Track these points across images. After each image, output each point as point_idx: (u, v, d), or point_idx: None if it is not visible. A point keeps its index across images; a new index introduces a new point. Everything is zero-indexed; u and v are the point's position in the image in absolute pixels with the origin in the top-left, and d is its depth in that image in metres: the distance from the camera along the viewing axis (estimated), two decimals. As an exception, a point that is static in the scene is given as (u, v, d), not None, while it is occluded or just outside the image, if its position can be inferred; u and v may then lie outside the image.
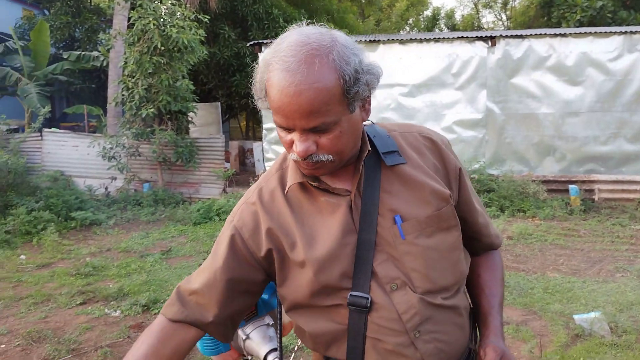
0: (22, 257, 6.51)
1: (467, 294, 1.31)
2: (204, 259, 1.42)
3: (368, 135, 1.21)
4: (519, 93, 8.83)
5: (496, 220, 7.52)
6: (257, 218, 1.20)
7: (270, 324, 1.40)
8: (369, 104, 1.16)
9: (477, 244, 1.35)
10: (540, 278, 5.13)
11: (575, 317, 3.99)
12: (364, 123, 1.18)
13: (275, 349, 1.35)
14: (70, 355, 3.73)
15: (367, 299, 1.13)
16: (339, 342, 1.17)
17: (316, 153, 1.08)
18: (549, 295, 4.62)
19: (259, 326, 1.37)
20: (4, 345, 3.94)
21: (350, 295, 1.13)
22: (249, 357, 1.42)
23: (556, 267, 5.55)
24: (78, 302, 4.84)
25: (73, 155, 10.47)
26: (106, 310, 4.62)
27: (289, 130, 1.09)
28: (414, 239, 1.15)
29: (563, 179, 8.71)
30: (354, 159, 1.18)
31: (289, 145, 1.11)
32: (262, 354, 1.35)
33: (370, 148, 1.18)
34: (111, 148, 9.68)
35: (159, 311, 4.29)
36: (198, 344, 1.44)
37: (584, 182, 8.57)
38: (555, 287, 4.82)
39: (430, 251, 1.16)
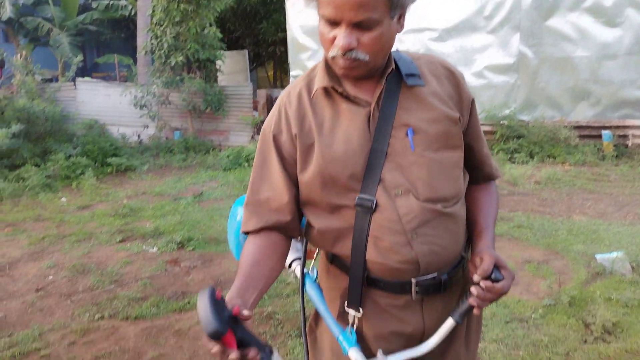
0: (63, 199, 6.85)
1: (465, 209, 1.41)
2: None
3: (393, 58, 1.29)
4: (553, 36, 8.55)
5: (524, 166, 7.49)
6: (288, 118, 1.31)
7: (298, 239, 1.53)
8: (404, 19, 1.24)
9: (479, 172, 1.44)
10: (565, 221, 5.16)
11: (597, 256, 4.05)
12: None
13: (299, 258, 1.49)
14: (112, 286, 4.01)
15: (373, 201, 1.25)
16: (344, 239, 1.29)
17: (356, 49, 1.17)
18: (573, 236, 4.67)
19: None
20: (51, 277, 4.24)
21: (358, 197, 1.25)
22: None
23: (582, 210, 5.56)
24: (118, 240, 5.12)
25: (106, 104, 10.72)
26: (144, 247, 4.89)
27: (334, 24, 1.17)
28: (422, 151, 1.26)
29: (596, 125, 8.51)
30: (379, 72, 1.27)
31: (330, 42, 1.19)
32: (288, 261, 1.49)
33: (394, 67, 1.27)
34: (142, 97, 9.87)
35: (193, 248, 4.54)
36: (234, 250, 1.58)
37: (617, 127, 8.37)
38: (580, 229, 4.85)
39: (435, 164, 1.27)
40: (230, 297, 1.14)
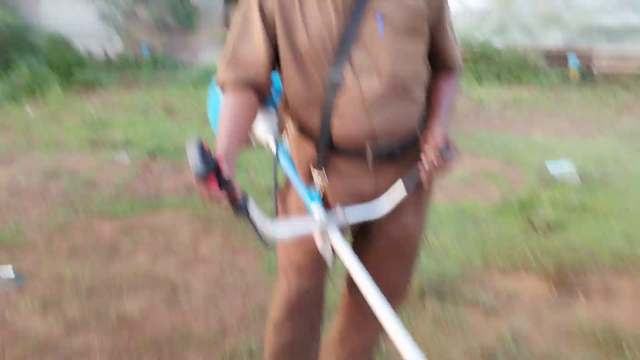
0: (29, 110, 6.74)
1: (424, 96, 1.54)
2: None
3: None
4: (529, -41, 8.48)
5: (492, 88, 7.66)
6: None
7: (273, 114, 1.65)
8: None
9: (441, 61, 1.56)
10: (524, 137, 5.41)
11: (547, 163, 4.32)
12: None
13: (272, 131, 1.62)
14: (85, 189, 4.10)
15: (341, 78, 1.37)
16: (313, 110, 1.42)
17: None
18: (529, 150, 4.93)
19: (266, 114, 1.62)
20: (23, 181, 4.30)
21: (328, 73, 1.38)
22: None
23: (542, 128, 5.81)
24: (87, 149, 5.15)
25: (70, 16, 10.27)
26: (115, 156, 4.95)
27: None
28: (390, 40, 1.38)
29: (565, 51, 8.67)
30: None
31: None
32: (263, 135, 1.62)
33: None
34: (107, 9, 9.50)
35: (164, 157, 4.62)
36: (214, 124, 1.69)
37: (584, 56, 8.54)
38: (536, 144, 5.11)
39: (401, 52, 1.40)
40: (216, 149, 1.26)
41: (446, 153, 1.37)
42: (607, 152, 4.86)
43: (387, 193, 1.47)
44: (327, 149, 1.46)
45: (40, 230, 3.36)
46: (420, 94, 1.50)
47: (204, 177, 1.15)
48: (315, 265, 1.61)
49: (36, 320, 2.44)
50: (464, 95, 7.28)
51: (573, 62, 8.46)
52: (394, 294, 1.67)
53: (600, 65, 8.72)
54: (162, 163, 4.78)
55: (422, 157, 1.39)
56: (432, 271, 2.78)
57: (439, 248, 3.09)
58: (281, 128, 1.67)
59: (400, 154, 1.48)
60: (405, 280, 1.75)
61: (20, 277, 2.78)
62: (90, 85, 8.20)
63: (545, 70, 8.35)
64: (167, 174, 4.52)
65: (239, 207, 1.23)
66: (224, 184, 1.18)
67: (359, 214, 1.46)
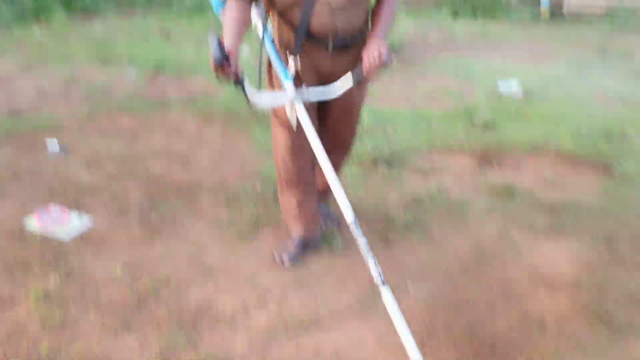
0: (36, 30, 7.29)
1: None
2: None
3: None
4: None
5: (465, 24, 8.30)
6: None
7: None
8: None
9: None
10: (485, 63, 6.15)
11: (499, 82, 5.10)
12: None
13: (260, 20, 2.32)
14: (103, 93, 4.80)
15: None
16: (295, 9, 2.06)
17: None
18: (486, 73, 5.67)
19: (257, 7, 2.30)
20: (47, 87, 4.98)
21: None
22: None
23: (502, 56, 6.54)
24: (97, 64, 5.80)
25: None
26: (123, 70, 5.61)
27: None
28: None
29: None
30: None
31: None
32: (253, 21, 2.33)
33: None
34: None
35: (167, 72, 5.30)
36: (215, 6, 2.38)
37: (556, -5, 9.12)
38: (494, 68, 5.85)
39: None
40: (225, 44, 1.93)
41: (382, 56, 2.07)
42: (552, 75, 5.63)
43: (339, 80, 2.15)
44: (303, 39, 2.13)
45: (71, 118, 4.10)
46: (367, 5, 2.20)
47: (220, 62, 1.84)
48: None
49: (83, 173, 3.23)
50: (439, 28, 7.95)
51: (544, 1, 9.08)
52: (345, 145, 2.49)
53: (570, 5, 9.35)
54: (165, 76, 5.46)
55: (364, 56, 2.06)
56: (385, 149, 3.60)
57: (395, 137, 3.90)
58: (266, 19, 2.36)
59: (350, 45, 2.20)
60: (352, 136, 2.52)
61: (64, 148, 3.54)
62: (90, 11, 8.67)
63: (518, 8, 8.98)
64: (171, 84, 5.21)
65: (239, 83, 1.93)
66: (231, 66, 1.88)
67: (319, 93, 2.18)
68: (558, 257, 2.50)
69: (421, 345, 1.92)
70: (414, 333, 1.95)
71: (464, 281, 2.32)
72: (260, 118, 4.18)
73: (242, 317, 2.07)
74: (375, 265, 1.82)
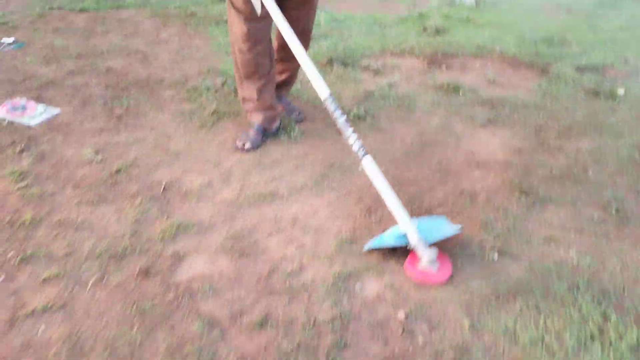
0: None
1: None
2: None
3: None
4: None
5: None
6: None
7: None
8: None
9: None
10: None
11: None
12: None
13: None
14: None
15: None
16: None
17: None
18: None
19: None
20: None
21: None
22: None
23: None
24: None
25: None
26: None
27: None
28: None
29: None
30: None
31: None
32: None
33: None
34: None
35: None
36: None
37: None
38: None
39: None
40: None
41: None
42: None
43: None
44: None
45: (23, 17, 4.01)
46: None
47: None
48: (255, 13, 2.44)
49: (42, 68, 3.26)
50: None
51: None
52: (306, 33, 2.60)
53: None
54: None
55: None
56: (340, 50, 3.75)
57: (350, 40, 4.03)
58: None
59: None
60: (310, 24, 2.64)
61: (20, 43, 3.51)
62: None
63: None
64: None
65: None
66: None
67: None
68: (492, 143, 2.80)
69: (368, 212, 2.20)
70: (364, 206, 2.23)
71: (408, 163, 2.59)
72: (217, 19, 4.20)
73: (209, 192, 2.28)
74: (356, 139, 2.03)
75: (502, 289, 1.85)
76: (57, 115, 2.75)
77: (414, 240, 1.88)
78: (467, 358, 1.59)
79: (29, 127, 2.62)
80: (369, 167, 2.01)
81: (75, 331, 1.61)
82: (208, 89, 3.14)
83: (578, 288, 1.86)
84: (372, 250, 1.99)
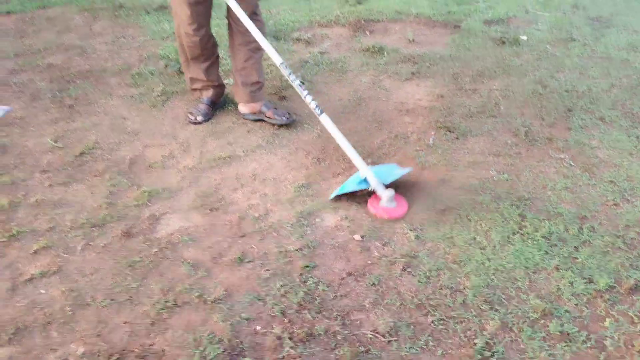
0: None
1: None
2: None
3: None
4: None
5: None
6: None
7: None
8: None
9: None
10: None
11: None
12: None
13: None
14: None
15: None
16: None
17: None
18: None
19: None
20: None
21: None
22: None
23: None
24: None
25: None
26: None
27: None
28: None
29: None
30: None
31: None
32: None
33: None
34: None
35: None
36: None
37: None
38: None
39: None
40: None
41: None
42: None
43: None
44: None
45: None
46: None
47: None
48: None
49: (-18, 70, 3.30)
50: None
51: None
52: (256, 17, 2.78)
53: None
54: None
55: None
56: (271, 25, 3.98)
57: (279, 15, 4.27)
58: None
59: None
60: (257, 8, 2.83)
61: (-49, 50, 3.52)
62: None
63: None
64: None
65: None
66: None
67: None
68: (418, 93, 3.15)
69: (318, 161, 2.49)
70: (313, 157, 2.51)
71: (346, 117, 2.89)
72: (146, 8, 4.33)
73: (171, 162, 2.49)
74: (311, 99, 2.28)
75: (438, 207, 2.19)
76: (9, 111, 2.85)
77: (373, 183, 2.17)
78: (415, 262, 1.92)
79: (-17, 126, 2.72)
80: (327, 122, 2.29)
81: (75, 287, 1.81)
82: (152, 73, 3.30)
83: (499, 198, 2.23)
84: (325, 192, 2.28)
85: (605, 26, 4.25)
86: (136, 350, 1.59)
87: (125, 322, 1.68)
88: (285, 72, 2.35)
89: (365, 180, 2.19)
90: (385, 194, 2.14)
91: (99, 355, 1.57)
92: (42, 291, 1.79)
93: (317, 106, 2.32)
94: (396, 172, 2.30)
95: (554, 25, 4.24)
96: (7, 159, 2.48)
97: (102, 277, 1.85)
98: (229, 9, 2.59)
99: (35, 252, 1.95)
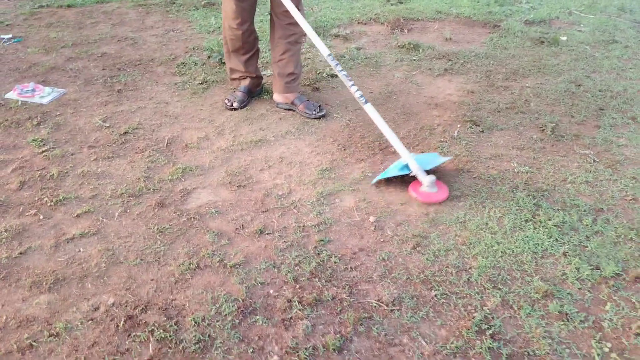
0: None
1: None
2: None
3: None
4: None
5: None
6: None
7: None
8: None
9: None
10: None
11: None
12: None
13: None
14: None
15: None
16: None
17: None
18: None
19: None
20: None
21: None
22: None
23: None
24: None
25: None
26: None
27: None
28: None
29: None
30: None
31: None
32: None
33: None
34: None
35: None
36: None
37: None
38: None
39: None
40: None
41: None
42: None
43: None
44: None
45: (16, 16, 4.34)
46: None
47: None
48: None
49: (44, 57, 3.60)
50: None
51: None
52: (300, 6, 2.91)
53: None
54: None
55: None
56: (311, 22, 4.12)
57: (320, 13, 4.41)
58: None
59: None
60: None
61: (18, 38, 3.85)
62: None
63: None
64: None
65: None
66: None
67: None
68: (448, 88, 3.21)
69: (343, 148, 2.60)
70: (339, 144, 2.62)
71: (377, 108, 2.94)
72: (196, 5, 4.57)
73: (206, 143, 2.66)
74: (356, 89, 2.43)
75: (455, 193, 2.26)
76: (64, 94, 3.10)
77: (414, 169, 2.26)
78: (426, 242, 2.00)
79: (41, 105, 2.98)
80: (371, 111, 2.42)
81: (110, 247, 1.99)
82: (195, 64, 3.50)
83: (517, 188, 2.28)
84: (347, 176, 2.39)
85: (651, 29, 4.17)
86: (159, 303, 1.74)
87: (152, 280, 1.84)
88: (332, 63, 2.49)
89: (406, 166, 2.28)
90: (427, 179, 2.22)
91: (126, 306, 1.73)
92: (82, 249, 1.98)
93: (361, 95, 2.45)
94: (437, 159, 2.39)
95: (597, 27, 4.19)
96: (60, 135, 2.71)
97: (134, 240, 2.03)
98: (272, 6, 2.76)
99: (78, 215, 2.15)
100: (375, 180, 2.33)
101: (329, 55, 2.51)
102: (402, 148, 2.33)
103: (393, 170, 2.29)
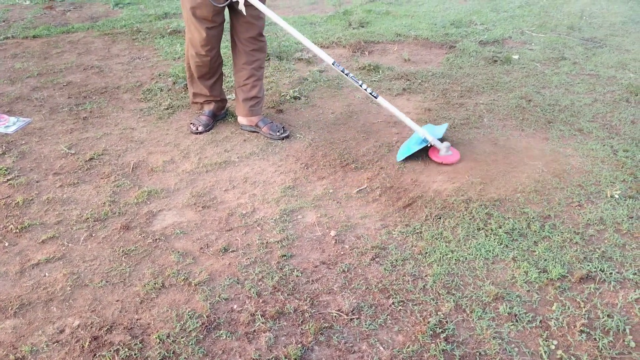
0: None
1: None
2: None
3: None
4: None
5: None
6: None
7: None
8: None
9: None
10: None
11: (371, -11, 5.80)
12: None
13: None
14: (5, 27, 4.97)
15: None
16: None
17: None
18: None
19: None
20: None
21: None
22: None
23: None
24: (-12, -3, 5.82)
25: None
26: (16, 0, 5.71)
27: None
28: None
29: None
30: None
31: None
32: None
33: None
34: None
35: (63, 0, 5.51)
36: None
37: None
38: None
39: None
40: None
41: None
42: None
43: None
44: None
45: (-20, 46, 4.35)
46: None
47: None
48: (214, 16, 2.79)
49: (8, 87, 3.62)
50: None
51: None
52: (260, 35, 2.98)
53: None
54: (62, 4, 5.66)
55: None
56: (275, 46, 4.25)
57: (284, 38, 4.54)
58: None
59: None
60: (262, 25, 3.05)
61: (-18, 70, 3.87)
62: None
63: None
64: (70, 11, 5.45)
65: None
66: None
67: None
68: (407, 106, 3.34)
69: (305, 167, 2.69)
70: (302, 163, 2.71)
71: (338, 127, 3.09)
72: (162, 32, 4.65)
73: (171, 166, 2.72)
74: (366, 87, 2.70)
75: (411, 207, 2.36)
76: (29, 123, 3.13)
77: (431, 140, 2.66)
78: (384, 253, 2.09)
79: (6, 135, 3.00)
80: (383, 102, 2.72)
81: (75, 271, 2.02)
82: (161, 90, 3.57)
83: (470, 199, 2.39)
84: (309, 193, 2.47)
85: (597, 46, 4.41)
86: (125, 323, 1.78)
87: (117, 300, 1.88)
88: (338, 69, 2.69)
89: (424, 139, 2.68)
90: (444, 146, 2.67)
91: (92, 327, 1.76)
92: (47, 274, 2.01)
93: (372, 92, 2.71)
94: (441, 128, 2.86)
95: (547, 45, 4.41)
96: (25, 163, 2.74)
97: (100, 263, 2.06)
98: (232, 32, 2.84)
99: (43, 241, 2.18)
100: (400, 158, 2.68)
101: (334, 62, 2.70)
102: (415, 126, 2.72)
103: (414, 146, 2.67)
